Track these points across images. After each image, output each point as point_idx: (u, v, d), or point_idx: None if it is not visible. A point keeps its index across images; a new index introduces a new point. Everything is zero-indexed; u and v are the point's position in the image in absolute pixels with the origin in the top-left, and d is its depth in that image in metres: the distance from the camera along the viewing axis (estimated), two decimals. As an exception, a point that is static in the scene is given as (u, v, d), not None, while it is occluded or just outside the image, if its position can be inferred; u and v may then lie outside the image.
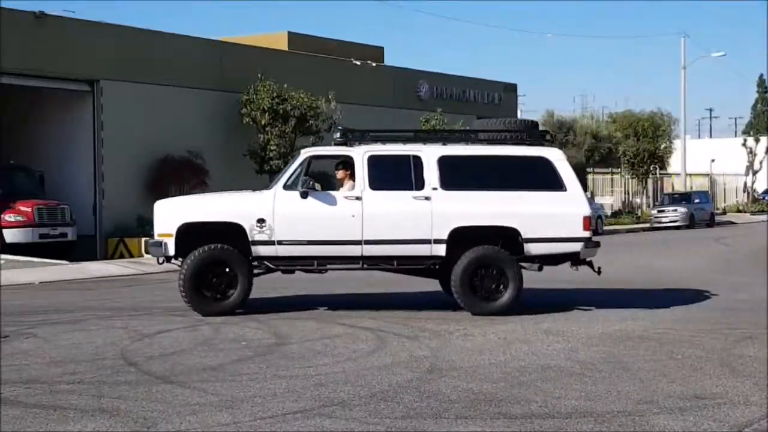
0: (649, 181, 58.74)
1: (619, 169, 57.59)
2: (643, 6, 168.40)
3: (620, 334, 11.94)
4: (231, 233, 13.69)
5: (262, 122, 32.93)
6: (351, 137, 14.33)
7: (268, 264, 13.91)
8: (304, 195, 13.69)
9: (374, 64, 41.00)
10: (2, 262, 21.60)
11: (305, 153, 14.25)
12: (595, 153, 59.13)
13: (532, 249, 13.93)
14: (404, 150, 14.14)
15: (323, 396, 8.45)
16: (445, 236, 13.75)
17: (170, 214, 13.90)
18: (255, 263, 13.91)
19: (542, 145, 14.71)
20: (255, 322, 13.01)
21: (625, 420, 7.67)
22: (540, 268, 14.42)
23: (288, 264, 14.05)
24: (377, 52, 43.69)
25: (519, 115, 55.22)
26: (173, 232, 13.69)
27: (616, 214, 53.86)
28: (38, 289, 18.17)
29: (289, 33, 40.38)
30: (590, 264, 14.48)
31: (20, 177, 28.20)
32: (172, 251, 13.75)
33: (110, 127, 29.95)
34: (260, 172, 33.03)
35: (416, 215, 13.73)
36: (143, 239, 24.05)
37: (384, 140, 14.46)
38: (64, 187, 29.55)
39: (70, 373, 9.54)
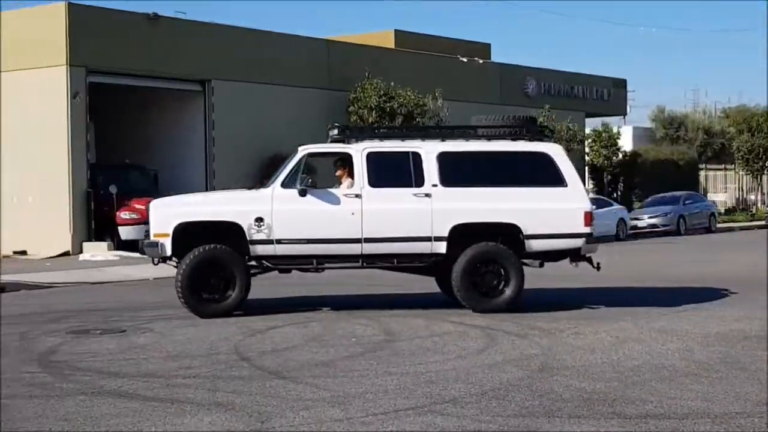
0: (765, 178, 57.19)
1: (733, 166, 56.23)
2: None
3: (736, 334, 11.65)
4: (228, 233, 13.42)
5: (370, 120, 33.09)
6: (349, 134, 14.25)
7: (266, 263, 13.70)
8: (302, 193, 13.46)
9: (481, 61, 40.83)
10: None
11: (302, 150, 13.92)
12: (708, 149, 57.86)
13: (534, 245, 13.77)
14: (403, 146, 13.96)
15: (434, 393, 8.45)
16: (445, 233, 13.58)
17: (167, 214, 13.57)
18: (253, 263, 13.71)
19: (541, 140, 14.59)
20: (365, 318, 13.07)
21: (744, 422, 7.48)
22: (541, 265, 14.27)
23: (287, 263, 13.82)
24: (484, 49, 43.49)
25: (628, 111, 54.42)
26: (170, 232, 13.34)
27: (729, 212, 52.62)
28: (153, 285, 18.59)
29: (396, 31, 40.49)
30: (589, 260, 14.27)
31: (135, 176, 28.96)
32: (168, 251, 13.41)
33: (221, 127, 30.49)
34: (368, 170, 33.22)
35: (416, 212, 13.57)
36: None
37: (382, 137, 14.36)
38: (177, 185, 30.08)
39: (186, 368, 9.74)
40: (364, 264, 13.77)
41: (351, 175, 13.84)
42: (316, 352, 10.62)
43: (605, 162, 46.26)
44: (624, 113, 52.70)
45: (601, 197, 38.87)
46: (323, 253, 13.57)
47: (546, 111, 38.87)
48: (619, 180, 48.73)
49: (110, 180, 27.32)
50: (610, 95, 47.46)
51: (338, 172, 14.34)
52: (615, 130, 47.73)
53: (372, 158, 13.73)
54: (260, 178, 30.91)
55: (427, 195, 13.62)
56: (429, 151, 13.84)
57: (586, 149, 46.00)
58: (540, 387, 8.68)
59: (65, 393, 8.60)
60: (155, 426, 7.38)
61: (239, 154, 30.70)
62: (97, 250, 25.64)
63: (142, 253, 13.88)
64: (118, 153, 30.57)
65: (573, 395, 8.34)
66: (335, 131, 14.30)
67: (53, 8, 27.71)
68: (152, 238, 13.54)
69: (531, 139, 14.38)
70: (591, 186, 48.28)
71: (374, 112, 33.01)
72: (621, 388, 8.62)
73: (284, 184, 13.61)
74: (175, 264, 13.63)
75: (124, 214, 26.83)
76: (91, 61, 27.67)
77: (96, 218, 26.86)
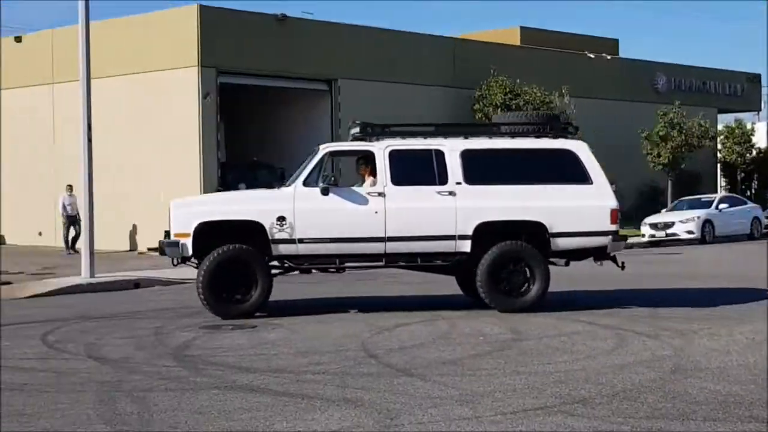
0: None
1: None
2: None
3: None
4: (250, 232, 13.26)
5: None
6: (370, 132, 14.03)
7: (288, 263, 13.58)
8: (325, 191, 13.32)
9: (609, 57, 40.22)
10: None
11: (324, 149, 13.83)
12: None
13: (559, 244, 13.58)
14: (426, 144, 13.78)
15: (564, 393, 8.35)
16: (470, 232, 13.40)
17: (187, 214, 13.35)
18: (275, 263, 13.58)
19: (565, 137, 14.28)
20: (492, 317, 13.00)
21: None
22: (567, 263, 14.03)
23: (309, 262, 13.68)
24: (612, 45, 42.83)
25: (763, 107, 52.86)
26: (190, 232, 13.14)
27: None
28: (279, 282, 18.83)
29: (522, 28, 40.23)
30: (614, 259, 13.97)
31: (263, 174, 29.47)
32: (189, 252, 13.24)
33: (347, 126, 30.71)
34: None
35: (440, 211, 13.39)
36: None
37: (404, 135, 14.15)
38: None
39: (315, 364, 9.85)
40: (387, 263, 13.70)
41: (373, 173, 13.69)
42: (443, 350, 10.62)
43: (738, 159, 45.01)
44: (758, 109, 51.25)
45: (734, 195, 37.81)
46: (346, 252, 13.45)
47: (676, 107, 38.04)
48: (753, 177, 47.37)
49: (239, 178, 27.90)
50: (744, 90, 46.21)
51: (361, 171, 14.24)
52: (749, 126, 46.42)
53: (395, 156, 13.59)
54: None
55: (451, 193, 13.48)
56: (452, 148, 13.69)
57: (719, 146, 44.86)
58: (673, 389, 8.49)
59: (199, 387, 8.80)
60: (286, 421, 7.49)
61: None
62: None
63: (162, 253, 13.62)
64: (247, 152, 31.15)
65: (707, 398, 8.13)
66: (356, 129, 14.15)
67: (186, 11, 28.41)
68: (172, 238, 13.32)
69: (555, 137, 14.21)
70: (723, 183, 47.08)
71: (499, 109, 32.83)
72: (758, 391, 8.36)
73: (306, 183, 13.48)
74: (195, 264, 13.56)
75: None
76: (222, 62, 28.29)
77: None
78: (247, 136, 32.08)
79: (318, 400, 8.18)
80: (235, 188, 27.28)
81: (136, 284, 18.68)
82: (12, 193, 31.39)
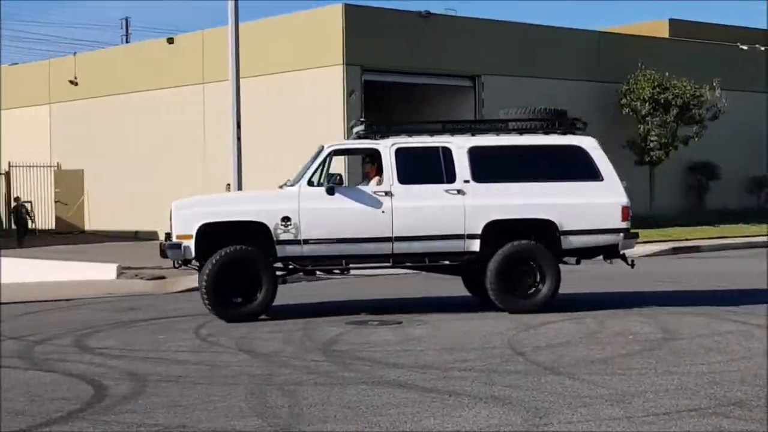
0: None
1: None
2: None
3: None
4: (254, 233, 12.95)
5: (642, 112, 32.30)
6: (375, 130, 13.71)
7: (293, 265, 13.30)
8: (330, 191, 13.05)
9: (763, 48, 38.88)
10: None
11: (328, 147, 13.55)
12: None
13: (570, 242, 13.30)
14: (433, 141, 13.43)
15: (719, 395, 8.11)
16: (479, 230, 13.10)
17: (189, 215, 13.02)
18: (279, 264, 13.28)
19: (574, 133, 13.85)
20: (640, 316, 12.74)
21: None
22: (578, 262, 13.74)
23: (314, 264, 13.41)
24: (765, 36, 41.39)
25: None
26: (193, 233, 12.81)
27: None
28: (422, 278, 18.87)
29: (671, 20, 39.30)
30: (623, 257, 13.62)
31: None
32: (192, 254, 12.91)
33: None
34: (640, 163, 32.46)
35: (449, 209, 13.09)
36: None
37: (410, 132, 13.79)
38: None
39: (461, 360, 9.83)
40: (394, 264, 13.48)
41: (379, 171, 13.44)
42: (592, 348, 10.46)
43: None
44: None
45: None
46: (352, 253, 13.19)
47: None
48: None
49: (384, 175, 28.01)
50: None
51: (366, 169, 13.98)
52: None
53: (401, 154, 13.30)
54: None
55: (459, 191, 13.21)
56: (460, 145, 13.41)
57: None
58: (835, 392, 8.15)
59: (347, 381, 8.89)
60: (434, 417, 7.49)
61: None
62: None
63: (164, 255, 13.33)
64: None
65: None
66: (361, 127, 13.91)
67: (331, 10, 28.79)
68: (174, 239, 13.01)
69: (564, 133, 13.88)
70: None
71: (647, 103, 32.19)
72: None
73: (311, 182, 13.25)
74: (196, 267, 13.34)
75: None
76: (366, 60, 28.56)
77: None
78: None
79: (465, 397, 8.17)
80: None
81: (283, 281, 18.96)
82: (163, 192, 32.39)
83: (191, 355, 10.57)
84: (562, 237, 13.34)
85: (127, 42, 66.80)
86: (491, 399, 8.08)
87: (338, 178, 13.19)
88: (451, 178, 13.28)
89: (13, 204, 33.62)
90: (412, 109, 32.29)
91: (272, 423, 7.43)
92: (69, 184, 36.29)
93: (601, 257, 13.84)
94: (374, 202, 13.12)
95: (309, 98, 28.93)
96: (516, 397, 8.10)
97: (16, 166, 36.53)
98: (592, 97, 32.54)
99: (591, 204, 13.38)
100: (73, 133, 36.64)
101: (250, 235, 12.99)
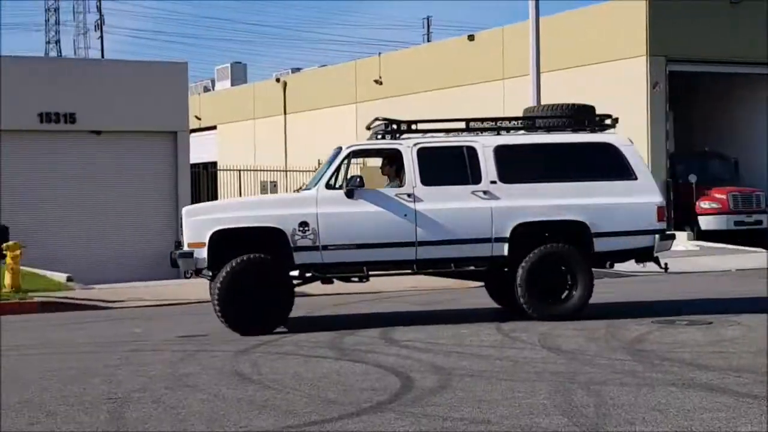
0: None
1: None
2: None
3: None
4: (270, 240, 12.20)
5: None
6: (395, 129, 12.66)
7: (312, 272, 12.51)
8: (350, 194, 12.28)
9: None
10: None
11: (347, 148, 12.78)
12: None
13: (603, 244, 12.59)
14: (457, 140, 12.75)
15: None
16: (507, 234, 12.43)
17: (202, 221, 12.24)
18: (297, 272, 12.48)
19: (604, 130, 13.19)
20: None
21: None
22: (611, 265, 13.11)
23: (334, 271, 12.59)
24: None
25: None
26: (206, 240, 12.06)
27: None
28: (736, 277, 18.08)
29: None
30: (656, 260, 12.90)
31: (715, 164, 28.63)
32: (204, 263, 12.12)
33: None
34: None
35: (475, 212, 12.42)
36: None
37: (432, 131, 13.07)
38: (759, 173, 29.11)
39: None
40: (417, 270, 12.61)
41: (399, 173, 12.58)
42: None
43: None
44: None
45: None
46: (374, 259, 12.47)
47: None
48: None
49: (690, 169, 27.23)
50: None
51: (386, 170, 13.12)
52: None
53: (423, 154, 12.55)
54: None
55: (486, 192, 12.42)
56: (485, 144, 12.55)
57: None
58: None
59: (655, 383, 8.59)
60: (751, 424, 7.07)
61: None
62: (677, 240, 25.57)
63: (174, 265, 12.62)
64: (698, 141, 30.23)
65: None
66: (381, 126, 13.00)
67: (634, 1, 28.11)
68: (185, 248, 12.27)
69: (593, 130, 12.88)
70: None
71: None
72: None
73: (329, 185, 12.53)
74: (209, 276, 12.51)
75: (703, 204, 26.73)
76: (671, 50, 27.71)
77: (675, 207, 26.84)
78: (697, 126, 31.10)
79: None
80: (686, 179, 26.66)
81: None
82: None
83: (494, 351, 10.60)
84: (594, 239, 12.58)
85: (428, 41, 68.38)
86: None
87: (358, 180, 12.51)
88: (476, 178, 12.66)
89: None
90: (718, 99, 31.01)
91: (578, 422, 7.28)
92: (372, 179, 37.53)
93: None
94: (396, 205, 12.49)
95: (609, 91, 28.32)
96: (841, 407, 7.52)
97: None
98: None
99: (625, 204, 12.66)
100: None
101: (266, 241, 12.37)
